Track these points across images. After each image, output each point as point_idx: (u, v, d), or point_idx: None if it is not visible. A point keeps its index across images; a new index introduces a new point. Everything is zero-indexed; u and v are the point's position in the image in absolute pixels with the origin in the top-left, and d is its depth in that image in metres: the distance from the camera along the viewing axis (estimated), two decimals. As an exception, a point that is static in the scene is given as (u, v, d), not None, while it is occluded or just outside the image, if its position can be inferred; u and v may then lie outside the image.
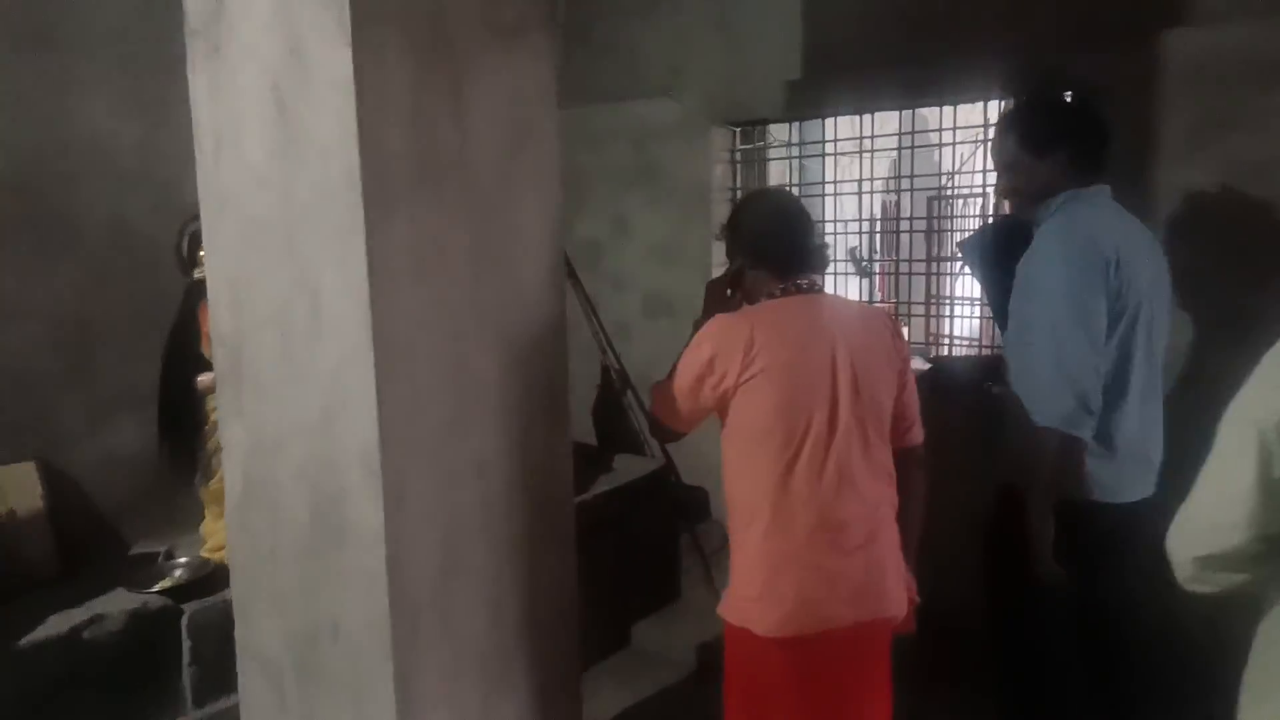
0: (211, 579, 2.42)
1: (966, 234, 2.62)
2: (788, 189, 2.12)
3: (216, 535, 2.51)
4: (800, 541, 1.75)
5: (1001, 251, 2.23)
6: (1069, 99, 2.31)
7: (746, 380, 1.74)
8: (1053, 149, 2.05)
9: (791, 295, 1.84)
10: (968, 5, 2.95)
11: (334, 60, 1.47)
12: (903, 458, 1.88)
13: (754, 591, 1.77)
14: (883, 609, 1.79)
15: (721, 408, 1.80)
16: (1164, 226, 2.46)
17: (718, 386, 1.76)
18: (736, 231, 1.97)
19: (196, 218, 1.85)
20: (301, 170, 1.57)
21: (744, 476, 1.81)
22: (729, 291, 1.99)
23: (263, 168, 1.64)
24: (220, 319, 1.83)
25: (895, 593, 1.82)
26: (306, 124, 1.55)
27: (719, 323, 1.81)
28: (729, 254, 2.00)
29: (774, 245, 1.88)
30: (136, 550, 2.67)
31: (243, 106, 1.66)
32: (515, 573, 1.82)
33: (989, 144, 2.28)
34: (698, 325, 1.92)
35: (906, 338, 1.90)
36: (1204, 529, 1.16)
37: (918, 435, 1.93)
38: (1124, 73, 2.64)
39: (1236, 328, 2.52)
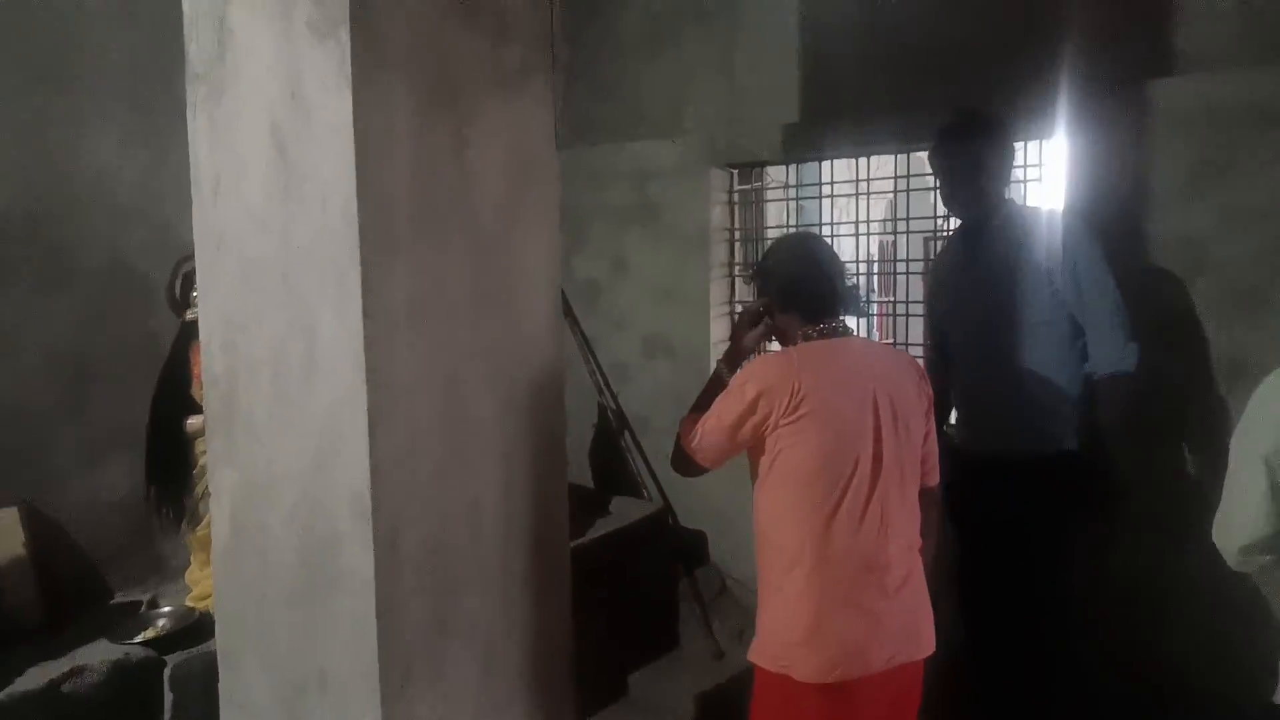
0: (196, 629, 2.36)
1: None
2: (817, 232, 2.20)
3: (203, 583, 2.46)
4: (845, 585, 1.75)
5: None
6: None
7: (790, 422, 1.74)
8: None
9: (827, 338, 1.87)
10: (961, 50, 2.98)
11: (334, 105, 1.47)
12: (924, 498, 1.90)
13: (796, 636, 1.75)
14: (921, 650, 1.82)
15: (756, 448, 1.81)
16: (1154, 270, 2.47)
17: (760, 425, 1.76)
18: (768, 275, 1.99)
19: (190, 258, 1.85)
20: (300, 212, 1.56)
21: (786, 520, 1.79)
22: (759, 324, 2.01)
23: (261, 209, 1.64)
24: (213, 360, 1.81)
25: (929, 632, 1.85)
26: (306, 167, 1.54)
27: (764, 362, 1.84)
28: (760, 295, 2.04)
29: (805, 289, 1.91)
30: (120, 598, 2.61)
31: (243, 148, 1.65)
32: (509, 620, 1.78)
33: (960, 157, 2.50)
34: (729, 358, 2.00)
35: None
36: (1237, 526, 1.57)
37: (937, 475, 1.96)
38: (1118, 118, 2.67)
39: (1229, 366, 2.56)
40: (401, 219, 1.52)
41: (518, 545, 1.79)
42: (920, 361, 2.11)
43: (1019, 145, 2.55)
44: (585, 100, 4.07)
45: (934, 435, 1.95)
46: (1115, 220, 2.41)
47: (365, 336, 1.49)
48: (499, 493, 1.73)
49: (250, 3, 1.60)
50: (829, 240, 3.59)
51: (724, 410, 1.81)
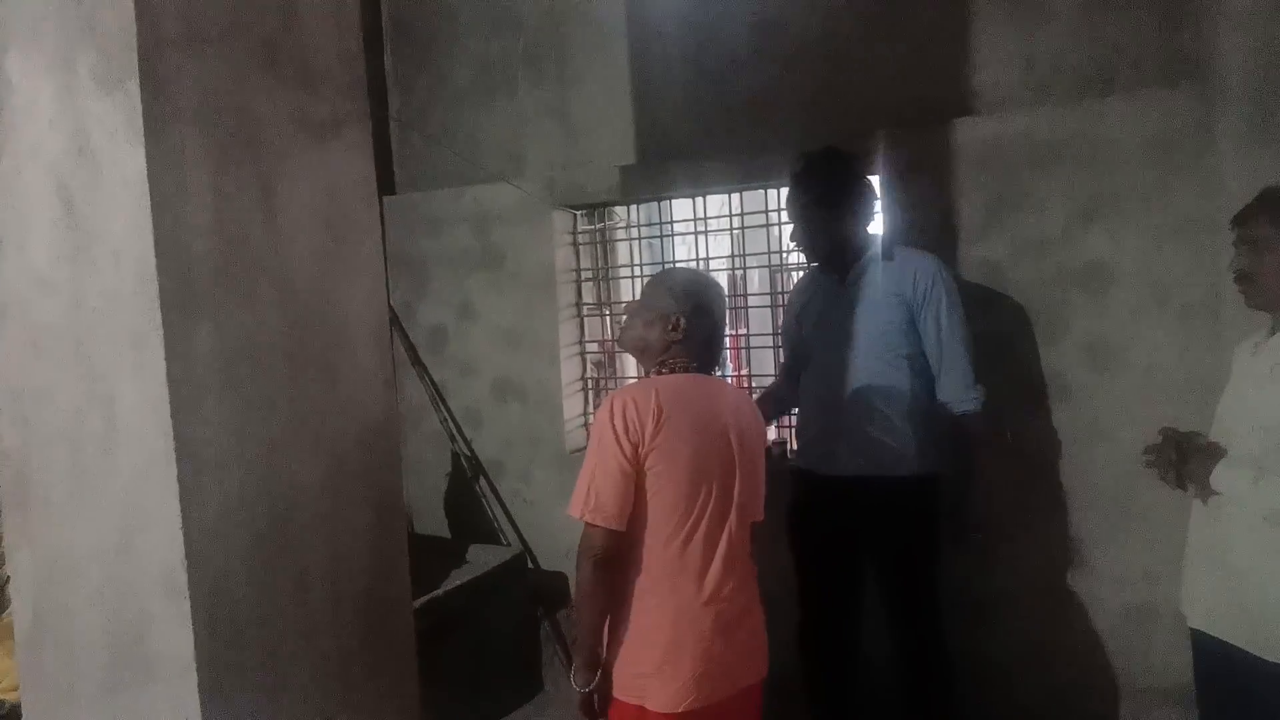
0: (2, 723, 2.16)
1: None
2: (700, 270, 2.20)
3: (11, 674, 2.25)
4: (693, 616, 1.79)
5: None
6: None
7: (654, 447, 1.76)
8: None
9: (691, 373, 1.91)
10: (781, 97, 3.14)
11: (125, 159, 1.39)
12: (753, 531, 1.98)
13: (649, 667, 1.77)
14: (759, 672, 1.91)
15: (640, 475, 1.77)
16: (968, 294, 2.65)
17: (637, 447, 1.75)
18: (661, 311, 1.92)
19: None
20: (92, 274, 1.47)
21: (641, 549, 1.80)
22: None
23: (49, 272, 1.52)
24: (4, 435, 1.67)
25: (763, 656, 1.93)
26: (97, 225, 1.45)
27: (625, 390, 1.84)
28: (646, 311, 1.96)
29: (704, 340, 1.93)
30: (-84, 697, 2.35)
31: (26, 207, 1.54)
32: (346, 691, 1.70)
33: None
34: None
35: None
36: None
37: (761, 511, 2.00)
38: (924, 155, 2.86)
39: (1031, 384, 2.77)
40: (204, 277, 1.45)
41: (352, 613, 1.71)
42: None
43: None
44: (421, 147, 4.03)
45: (763, 475, 2.00)
46: (929, 250, 2.57)
47: (170, 404, 1.40)
48: (328, 559, 1.66)
49: (28, 54, 1.50)
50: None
51: (601, 454, 1.77)
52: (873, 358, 2.47)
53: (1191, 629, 1.93)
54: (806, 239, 2.59)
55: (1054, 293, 2.74)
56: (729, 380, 3.79)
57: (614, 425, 1.76)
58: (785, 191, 3.35)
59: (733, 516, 1.85)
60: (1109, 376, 2.68)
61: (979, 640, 2.79)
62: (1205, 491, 1.81)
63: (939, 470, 2.49)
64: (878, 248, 2.55)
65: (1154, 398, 2.61)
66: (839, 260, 2.58)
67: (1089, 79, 2.71)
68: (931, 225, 2.84)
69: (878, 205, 2.74)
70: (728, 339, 2.00)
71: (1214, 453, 1.80)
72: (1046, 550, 2.78)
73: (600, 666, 1.81)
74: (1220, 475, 1.77)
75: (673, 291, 1.94)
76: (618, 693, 1.81)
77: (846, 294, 2.55)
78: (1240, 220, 1.86)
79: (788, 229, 3.52)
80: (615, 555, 1.78)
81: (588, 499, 1.76)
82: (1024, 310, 2.78)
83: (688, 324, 1.91)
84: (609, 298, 3.86)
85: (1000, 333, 2.78)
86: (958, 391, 2.44)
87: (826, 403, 2.54)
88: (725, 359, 3.98)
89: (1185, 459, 1.84)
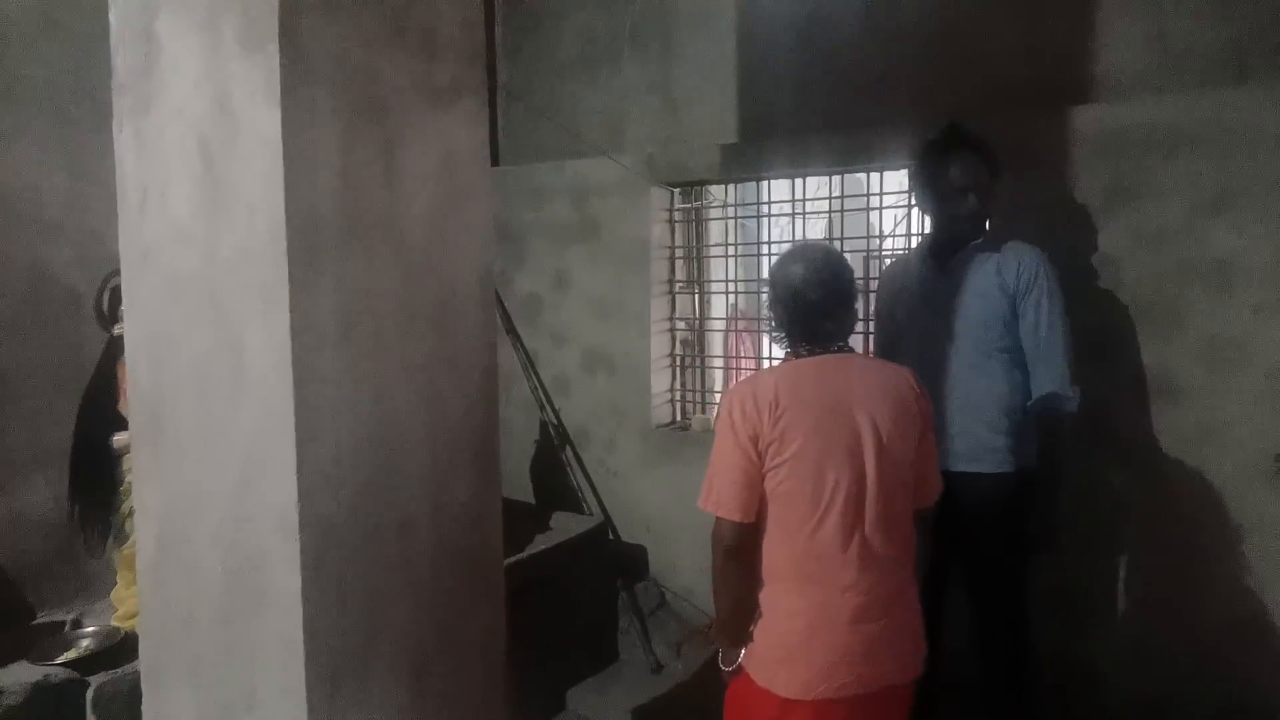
0: (121, 649, 2.31)
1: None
2: (826, 245, 2.15)
3: (128, 603, 2.41)
4: (827, 606, 1.77)
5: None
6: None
7: (775, 438, 1.75)
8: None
9: (818, 355, 1.87)
10: (892, 76, 3.08)
11: (262, 119, 1.47)
12: (916, 519, 1.90)
13: (780, 654, 1.79)
14: (904, 673, 1.82)
15: (764, 466, 1.78)
16: (1076, 286, 2.57)
17: (755, 441, 1.75)
18: (772, 288, 1.95)
19: (118, 272, 1.82)
20: (227, 227, 1.56)
21: (774, 539, 1.81)
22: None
23: (188, 223, 1.62)
24: (139, 376, 1.78)
25: (914, 656, 1.84)
26: (233, 181, 1.54)
27: (740, 384, 1.85)
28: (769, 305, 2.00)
29: (795, 314, 1.89)
30: (43, 618, 2.54)
31: (169, 161, 1.64)
32: (440, 637, 1.77)
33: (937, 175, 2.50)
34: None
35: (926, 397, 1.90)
36: None
37: (933, 496, 1.95)
38: (1038, 142, 2.77)
39: (1144, 379, 2.67)
40: (329, 234, 1.52)
41: (449, 562, 1.78)
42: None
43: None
44: (525, 119, 4.10)
45: (931, 456, 1.92)
46: (1037, 240, 2.49)
47: (293, 353, 1.48)
48: (429, 510, 1.73)
49: (178, 15, 1.59)
50: (768, 259, 3.68)
51: (721, 447, 1.81)
52: (972, 348, 2.41)
53: None
54: (957, 217, 2.47)
55: (1171, 288, 2.62)
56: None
57: (732, 418, 1.79)
58: (884, 177, 3.33)
59: (872, 504, 1.77)
60: (1226, 377, 2.57)
61: (1073, 642, 2.72)
62: None
63: (1034, 467, 2.42)
64: (981, 236, 2.49)
65: (1275, 402, 2.49)
66: (946, 246, 2.52)
67: (1221, 65, 2.57)
68: (1045, 213, 2.76)
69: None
70: (846, 311, 1.90)
71: None
72: (1150, 555, 2.69)
73: (744, 649, 1.86)
74: None
75: (770, 273, 1.96)
76: (753, 673, 1.83)
77: (947, 282, 2.49)
78: None
79: (888, 213, 3.49)
80: (743, 545, 1.81)
81: (709, 491, 1.81)
82: (1138, 305, 2.68)
83: (781, 304, 1.90)
84: (701, 276, 3.87)
85: (1111, 327, 2.68)
86: (1054, 388, 2.36)
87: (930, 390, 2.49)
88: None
89: None
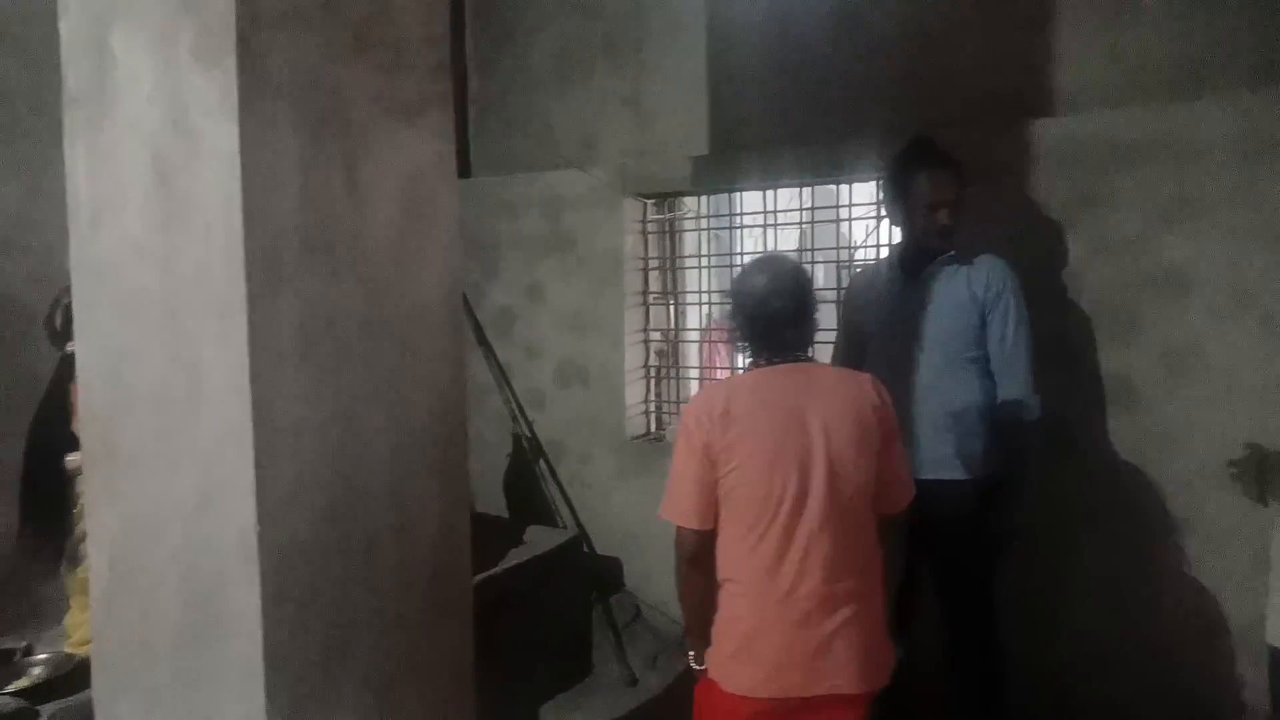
0: (74, 676, 2.25)
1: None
2: (786, 257, 2.22)
3: (82, 628, 2.35)
4: (771, 611, 1.80)
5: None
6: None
7: (725, 446, 1.79)
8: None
9: (778, 365, 1.88)
10: (861, 89, 3.09)
11: (220, 133, 1.44)
12: (883, 527, 1.91)
13: (732, 651, 1.83)
14: (856, 684, 1.80)
15: (718, 474, 1.82)
16: (1040, 294, 2.59)
17: (709, 450, 1.79)
18: (734, 299, 1.97)
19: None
20: (183, 243, 1.52)
21: (725, 541, 1.85)
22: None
23: (143, 239, 1.58)
24: (91, 395, 1.74)
25: (868, 667, 1.82)
26: (190, 196, 1.50)
27: (702, 392, 1.89)
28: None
29: (752, 325, 1.90)
30: (-7, 646, 2.47)
31: (123, 177, 1.60)
32: (407, 658, 1.74)
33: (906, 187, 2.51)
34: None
35: (889, 402, 1.89)
36: None
37: (901, 503, 1.94)
38: (1002, 154, 2.79)
39: (1103, 386, 2.68)
40: (290, 250, 1.49)
41: (416, 582, 1.75)
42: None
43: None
44: (497, 131, 4.08)
45: (896, 463, 1.91)
46: (1002, 249, 2.51)
47: (251, 370, 1.45)
48: (395, 529, 1.70)
49: (132, 29, 1.56)
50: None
51: (676, 460, 1.86)
52: (943, 358, 2.44)
53: (1270, 646, 1.86)
54: (926, 231, 2.47)
55: (1130, 296, 2.66)
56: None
57: (687, 427, 1.83)
58: (853, 189, 3.34)
59: (813, 514, 1.78)
60: (1184, 383, 2.60)
61: (1039, 647, 2.73)
62: None
63: (1000, 474, 2.44)
64: (951, 248, 2.50)
65: (1230, 407, 2.52)
66: (916, 258, 2.53)
67: (1178, 80, 2.61)
68: (1009, 223, 2.78)
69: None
70: (806, 321, 1.90)
71: None
72: (1111, 559, 2.71)
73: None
74: None
75: (732, 285, 1.99)
76: (709, 672, 1.89)
77: (918, 293, 2.50)
78: None
79: (859, 224, 3.50)
80: (702, 551, 1.87)
81: (667, 501, 1.87)
82: (1098, 313, 2.71)
83: (739, 314, 1.92)
84: (675, 287, 3.86)
85: (1073, 335, 2.71)
86: (1018, 396, 2.39)
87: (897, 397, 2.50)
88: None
89: (1269, 474, 1.78)
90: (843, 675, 1.79)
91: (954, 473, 2.41)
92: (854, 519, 1.82)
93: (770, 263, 1.98)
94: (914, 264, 2.54)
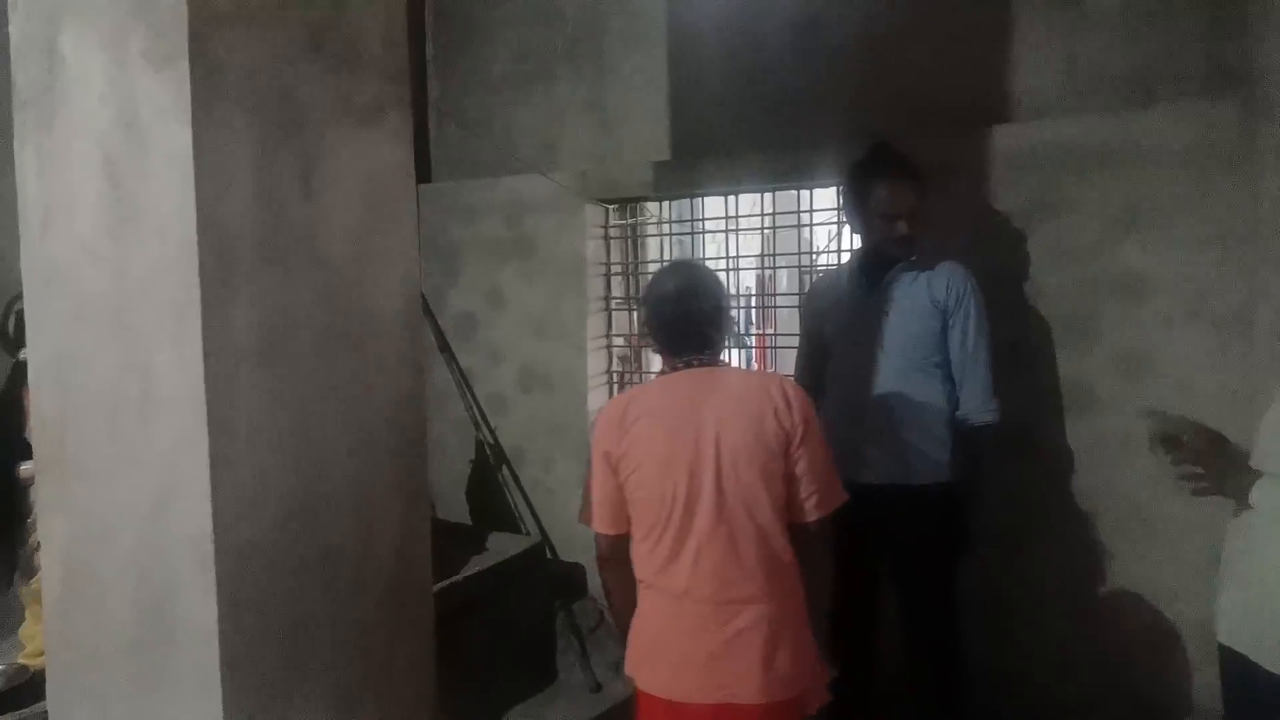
0: (28, 688, 2.20)
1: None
2: (697, 263, 2.25)
3: (37, 639, 2.30)
4: (671, 613, 1.81)
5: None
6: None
7: (621, 454, 1.81)
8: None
9: (680, 371, 1.88)
10: (821, 96, 3.13)
11: (172, 136, 1.42)
12: (801, 535, 1.82)
13: (642, 650, 1.87)
14: (754, 694, 1.74)
15: (621, 480, 1.85)
16: (997, 299, 2.63)
17: (609, 454, 1.82)
18: (644, 305, 1.98)
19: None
20: (136, 246, 1.50)
21: (633, 543, 1.88)
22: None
23: (94, 243, 1.56)
24: (43, 401, 1.71)
25: (770, 678, 1.75)
26: (142, 199, 1.49)
27: (610, 400, 1.91)
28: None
29: (658, 327, 1.91)
30: (-56, 658, 2.41)
31: (74, 180, 1.58)
32: (366, 667, 1.73)
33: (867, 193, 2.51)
34: None
35: (796, 405, 1.80)
36: None
37: (819, 510, 1.82)
38: (960, 160, 2.84)
39: (1060, 390, 2.74)
40: (244, 253, 1.48)
41: (374, 589, 1.74)
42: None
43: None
44: (458, 135, 4.06)
45: (808, 469, 1.81)
46: (959, 255, 2.55)
47: (206, 375, 1.44)
48: (353, 536, 1.69)
49: (83, 30, 1.54)
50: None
51: (591, 471, 1.89)
52: (906, 364, 2.45)
53: (1219, 644, 1.90)
54: (886, 239, 2.48)
55: (1086, 301, 2.71)
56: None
57: (595, 434, 1.87)
58: (814, 195, 3.37)
59: (710, 515, 1.75)
60: (1139, 387, 2.65)
61: (998, 648, 2.77)
62: (1242, 504, 1.77)
63: (961, 478, 2.48)
64: (912, 255, 2.51)
65: (1183, 410, 2.57)
66: (877, 265, 2.54)
67: (1131, 88, 2.68)
68: (967, 229, 2.82)
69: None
70: (752, 332, 1.95)
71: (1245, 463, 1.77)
72: (1068, 561, 2.76)
73: None
74: (1259, 491, 1.73)
75: (643, 292, 2.03)
76: (627, 668, 1.91)
77: (880, 299, 2.52)
78: None
79: (820, 230, 3.54)
80: (614, 555, 1.91)
81: (583, 505, 1.92)
82: (1055, 319, 2.76)
83: (649, 317, 1.93)
84: (637, 292, 3.87)
85: (1030, 340, 2.76)
86: (978, 402, 2.43)
87: (856, 408, 2.50)
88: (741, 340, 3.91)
89: (1223, 465, 1.78)
90: (740, 686, 1.74)
91: (917, 478, 2.43)
92: (752, 524, 1.76)
93: (678, 268, 2.02)
94: (874, 271, 2.55)
